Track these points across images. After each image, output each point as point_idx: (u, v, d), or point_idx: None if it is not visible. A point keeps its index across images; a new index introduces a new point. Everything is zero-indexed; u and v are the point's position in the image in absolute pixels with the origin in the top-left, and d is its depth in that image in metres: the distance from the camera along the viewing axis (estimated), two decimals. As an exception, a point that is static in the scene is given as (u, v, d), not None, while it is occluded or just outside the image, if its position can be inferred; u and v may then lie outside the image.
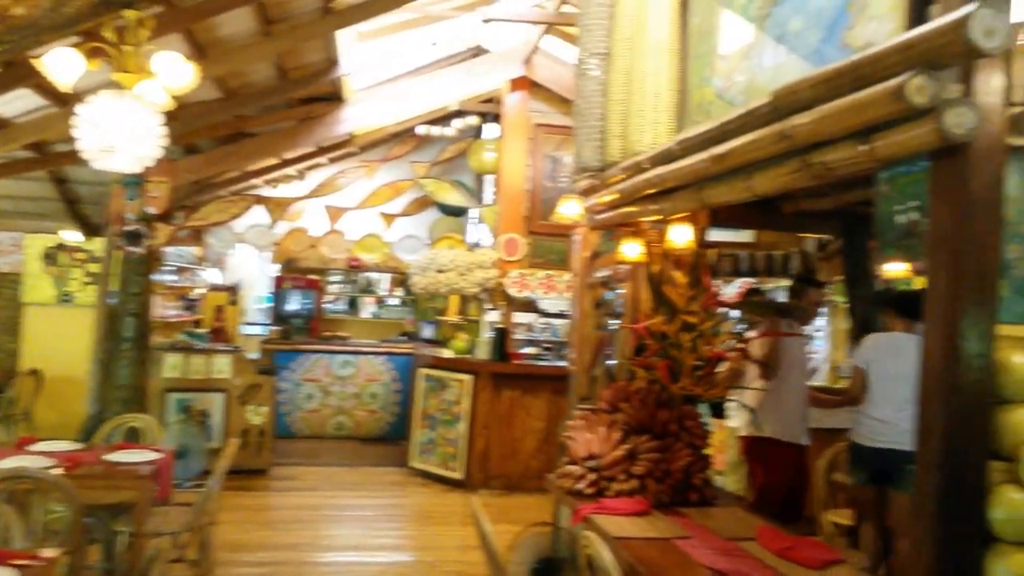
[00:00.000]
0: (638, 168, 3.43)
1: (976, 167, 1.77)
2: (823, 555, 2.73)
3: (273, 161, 9.19)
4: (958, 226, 1.79)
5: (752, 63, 2.85)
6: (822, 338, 6.90)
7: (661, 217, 3.69)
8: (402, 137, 10.38)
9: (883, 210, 2.05)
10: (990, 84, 1.76)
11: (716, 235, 5.86)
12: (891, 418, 3.87)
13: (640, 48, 3.57)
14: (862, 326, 4.47)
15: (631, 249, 4.20)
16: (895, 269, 4.28)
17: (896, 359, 3.88)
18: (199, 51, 5.14)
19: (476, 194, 10.81)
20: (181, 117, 5.41)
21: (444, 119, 9.54)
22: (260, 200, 10.32)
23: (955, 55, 1.68)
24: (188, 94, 4.22)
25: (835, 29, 2.31)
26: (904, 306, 4.07)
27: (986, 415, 1.85)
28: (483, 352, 7.75)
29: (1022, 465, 1.83)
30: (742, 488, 4.77)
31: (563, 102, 7.78)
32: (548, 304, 8.29)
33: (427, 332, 10.16)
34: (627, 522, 3.12)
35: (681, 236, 3.86)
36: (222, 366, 7.18)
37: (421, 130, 9.71)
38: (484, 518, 2.95)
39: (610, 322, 5.32)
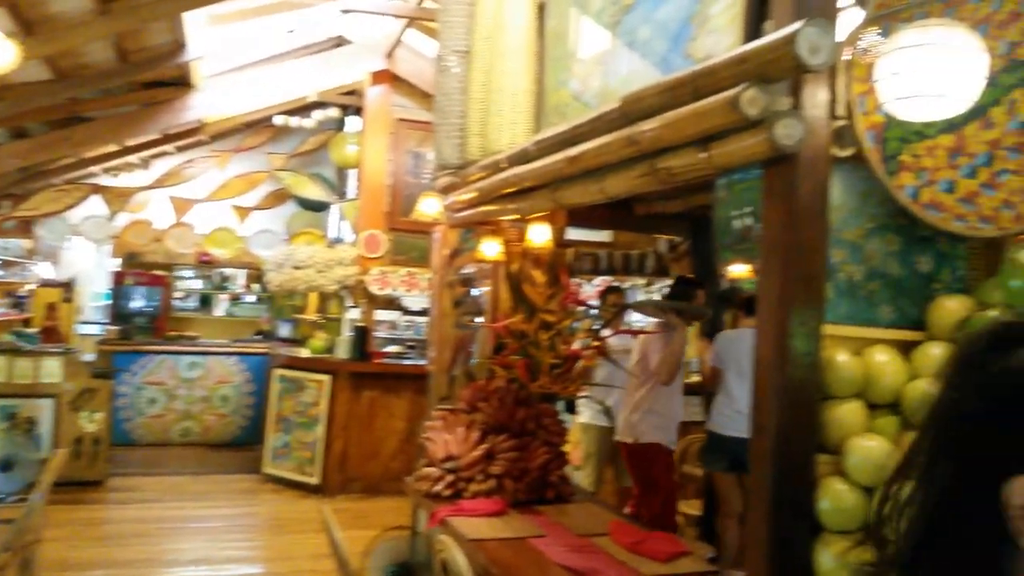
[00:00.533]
0: (496, 167, 3.48)
1: (804, 176, 1.90)
2: (671, 548, 2.86)
3: (113, 148, 8.69)
4: (788, 231, 1.92)
5: (606, 68, 2.95)
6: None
7: (519, 216, 3.76)
8: (257, 127, 10.04)
9: (721, 215, 2.17)
10: (816, 98, 1.90)
11: (576, 234, 6.02)
12: (748, 409, 4.09)
13: (499, 47, 3.62)
14: (710, 324, 4.72)
15: (490, 248, 4.26)
16: (739, 270, 4.54)
17: (749, 354, 4.11)
18: (25, 28, 4.79)
19: (337, 188, 10.61)
20: (6, 98, 5.03)
21: (303, 110, 9.31)
22: (98, 189, 9.72)
23: (785, 70, 1.80)
24: (11, 74, 3.92)
25: (680, 40, 2.42)
26: (751, 306, 4.30)
27: (814, 411, 1.99)
28: (343, 351, 7.63)
29: (846, 458, 1.99)
30: (591, 484, 4.91)
31: (425, 97, 7.76)
32: (412, 302, 8.25)
33: (284, 331, 9.89)
34: (483, 523, 3.16)
35: (540, 235, 3.94)
36: (52, 369, 6.72)
37: (278, 120, 9.44)
38: (335, 524, 2.91)
39: (471, 321, 5.36)
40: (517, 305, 3.90)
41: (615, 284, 6.79)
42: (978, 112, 2.20)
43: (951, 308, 2.10)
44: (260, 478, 7.43)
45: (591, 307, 6.26)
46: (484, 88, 3.73)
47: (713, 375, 4.32)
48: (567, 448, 3.84)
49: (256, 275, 10.87)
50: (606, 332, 4.88)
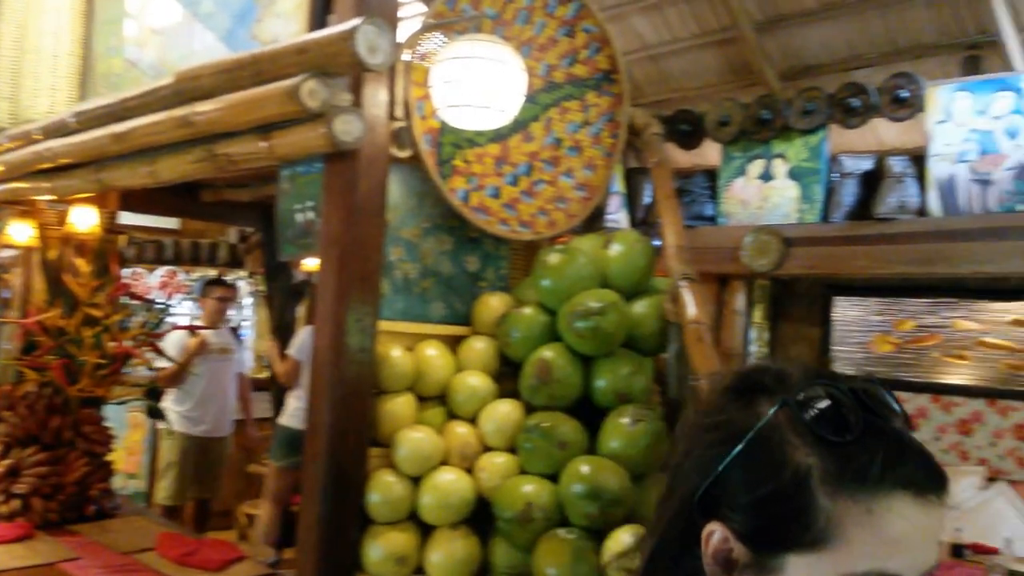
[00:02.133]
0: (29, 138, 2.99)
1: (363, 173, 1.91)
2: (224, 555, 2.71)
3: None
4: (347, 228, 1.91)
5: (167, 39, 2.69)
6: (250, 328, 6.98)
7: (57, 197, 3.28)
8: None
9: (284, 207, 2.10)
10: (376, 97, 1.92)
11: (134, 220, 5.47)
12: None
13: (36, 2, 3.12)
14: (280, 317, 4.61)
15: (20, 231, 3.65)
16: (313, 263, 4.51)
17: None
18: None
19: None
20: None
21: None
22: None
23: (345, 65, 1.78)
24: None
25: (246, 19, 2.29)
26: None
27: (367, 406, 2.02)
28: None
29: (396, 450, 2.04)
30: (171, 496, 4.46)
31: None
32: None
33: None
34: (3, 551, 2.69)
35: (85, 220, 3.48)
36: None
37: None
38: None
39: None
40: (54, 298, 3.40)
41: (219, 277, 6.28)
42: (521, 126, 2.43)
43: (493, 305, 2.28)
44: None
45: (152, 301, 5.73)
46: (17, 46, 3.19)
47: (295, 369, 4.17)
48: (125, 456, 3.45)
49: None
50: (207, 329, 4.50)
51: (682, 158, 6.17)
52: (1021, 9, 4.26)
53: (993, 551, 3.57)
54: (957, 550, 3.65)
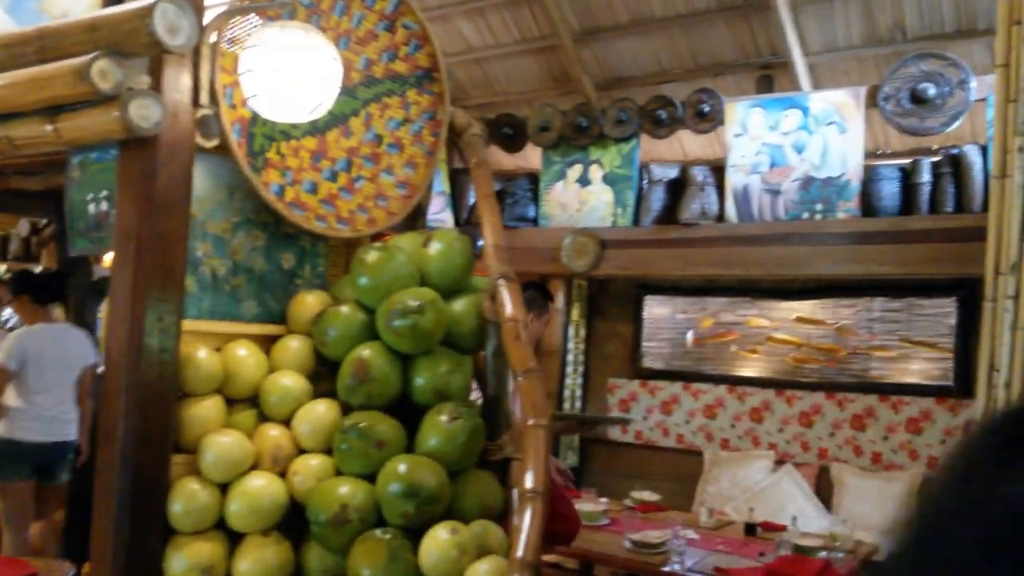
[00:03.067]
0: None
1: (163, 163, 1.76)
2: (16, 572, 2.46)
3: None
4: (144, 220, 1.75)
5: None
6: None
7: None
8: None
9: (74, 197, 1.90)
10: (178, 82, 1.77)
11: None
12: (54, 412, 3.79)
13: None
14: (79, 316, 4.23)
15: None
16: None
17: (52, 352, 3.78)
18: None
19: None
20: None
21: None
22: None
23: (141, 45, 1.64)
24: None
25: (32, -10, 2.07)
26: (39, 291, 3.88)
27: (170, 409, 1.86)
28: None
29: (202, 456, 1.90)
30: None
31: None
32: None
33: None
34: None
35: None
36: None
37: None
38: None
39: None
40: None
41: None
42: (339, 120, 2.34)
43: (309, 303, 2.18)
44: None
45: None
46: None
47: (2, 377, 3.72)
48: None
49: None
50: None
51: (506, 161, 6.26)
52: (808, 33, 4.62)
53: (782, 528, 3.85)
54: (750, 528, 3.90)
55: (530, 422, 1.84)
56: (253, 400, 2.06)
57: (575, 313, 5.82)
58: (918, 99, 3.97)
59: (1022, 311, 2.06)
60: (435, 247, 2.17)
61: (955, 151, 4.05)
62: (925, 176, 4.09)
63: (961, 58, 3.96)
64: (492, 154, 6.09)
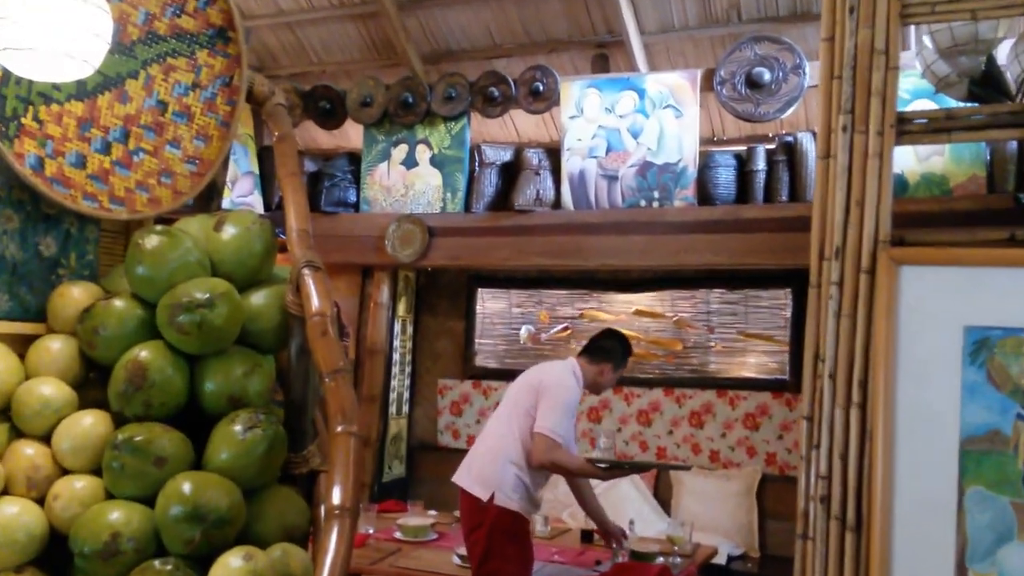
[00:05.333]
0: None
1: None
2: None
3: None
4: None
5: None
6: None
7: None
8: None
9: None
10: None
11: None
12: None
13: None
14: None
15: None
16: None
17: None
18: None
19: None
20: None
21: None
22: None
23: None
24: None
25: None
26: None
27: None
28: None
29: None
30: None
31: None
32: None
33: None
34: None
35: None
36: None
37: None
38: None
39: None
40: None
41: None
42: (113, 83, 2.17)
43: (75, 296, 2.02)
44: None
45: None
46: None
47: None
48: None
49: None
50: None
51: (323, 138, 6.12)
52: (644, 11, 4.80)
53: (618, 533, 3.99)
54: (586, 535, 4.02)
55: (338, 429, 1.79)
56: (4, 412, 1.89)
57: (401, 308, 5.79)
58: (753, 84, 4.22)
59: (846, 298, 2.22)
60: (229, 231, 2.07)
61: (789, 139, 4.35)
62: (760, 164, 4.35)
63: (796, 43, 4.24)
64: (308, 131, 5.94)
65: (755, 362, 5.19)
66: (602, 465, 3.53)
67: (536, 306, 5.71)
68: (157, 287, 1.94)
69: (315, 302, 1.95)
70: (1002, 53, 2.85)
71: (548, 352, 5.64)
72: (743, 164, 4.43)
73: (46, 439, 1.88)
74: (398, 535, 4.04)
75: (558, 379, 3.55)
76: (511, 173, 4.89)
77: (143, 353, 1.87)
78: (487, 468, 3.45)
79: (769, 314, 5.15)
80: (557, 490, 5.17)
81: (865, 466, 2.17)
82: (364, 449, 5.18)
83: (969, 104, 2.77)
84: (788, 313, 5.07)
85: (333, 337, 1.94)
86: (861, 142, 2.21)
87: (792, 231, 3.98)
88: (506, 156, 4.95)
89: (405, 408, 5.81)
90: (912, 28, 3.96)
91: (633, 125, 4.54)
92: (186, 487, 1.73)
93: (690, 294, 5.30)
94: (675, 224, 4.41)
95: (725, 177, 4.40)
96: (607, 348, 3.72)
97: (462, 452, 5.91)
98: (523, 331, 5.74)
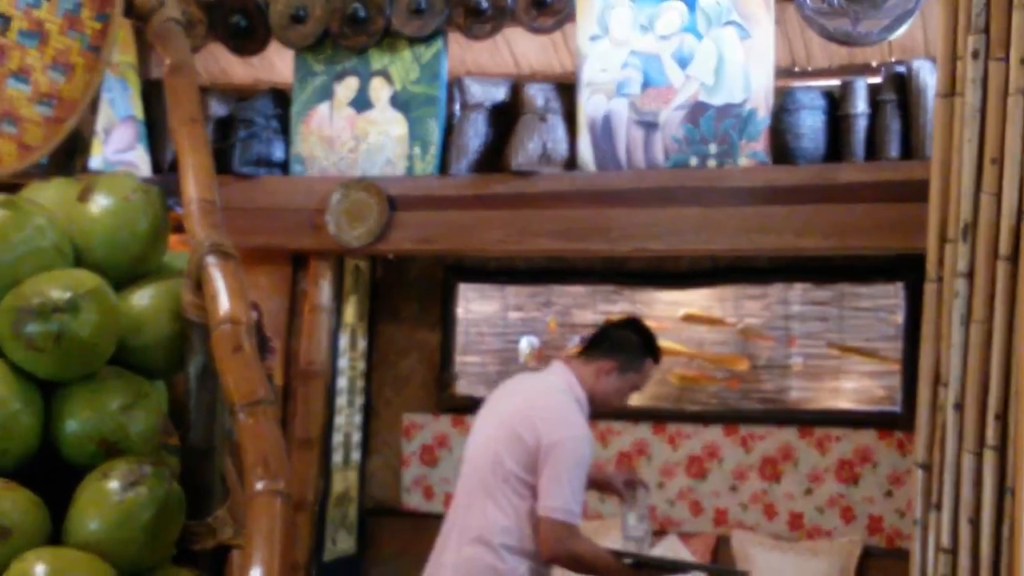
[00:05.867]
0: None
1: None
2: None
3: None
4: None
5: None
6: None
7: None
8: None
9: None
10: None
11: None
12: None
13: None
14: None
15: None
16: None
17: None
18: None
19: None
20: None
21: None
22: None
23: None
24: None
25: None
26: None
27: None
28: None
29: None
30: None
31: None
32: None
33: None
34: None
35: None
36: None
37: None
38: None
39: None
40: None
41: None
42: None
43: None
44: None
45: None
46: None
47: None
48: None
49: None
50: None
51: (238, 69, 6.13)
52: None
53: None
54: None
55: (258, 486, 1.79)
56: None
57: (350, 313, 5.80)
58: (851, -9, 4.22)
59: (978, 296, 2.22)
60: (100, 203, 2.07)
61: (901, 69, 4.34)
62: (860, 105, 4.35)
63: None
64: (216, 58, 5.94)
65: (854, 388, 5.20)
66: (628, 561, 3.54)
67: (543, 309, 5.73)
68: (-4, 283, 1.96)
69: (224, 304, 1.95)
70: None
71: (559, 374, 5.65)
72: (836, 106, 4.44)
73: None
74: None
75: (560, 421, 3.56)
76: (506, 119, 4.90)
77: (-24, 378, 1.88)
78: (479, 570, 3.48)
79: (873, 319, 5.16)
80: (572, 571, 5.21)
81: (1004, 534, 2.17)
82: (296, 514, 5.17)
83: None
84: (901, 318, 5.09)
85: (251, 354, 1.94)
86: (999, 73, 2.21)
87: (907, 201, 3.97)
88: (499, 95, 4.96)
89: (355, 456, 5.82)
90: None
91: (680, 50, 4.55)
92: (39, 570, 1.74)
93: (762, 291, 5.31)
94: (740, 192, 4.42)
95: (811, 124, 4.41)
96: (613, 339, 3.73)
97: (436, 518, 5.93)
98: (523, 344, 5.75)
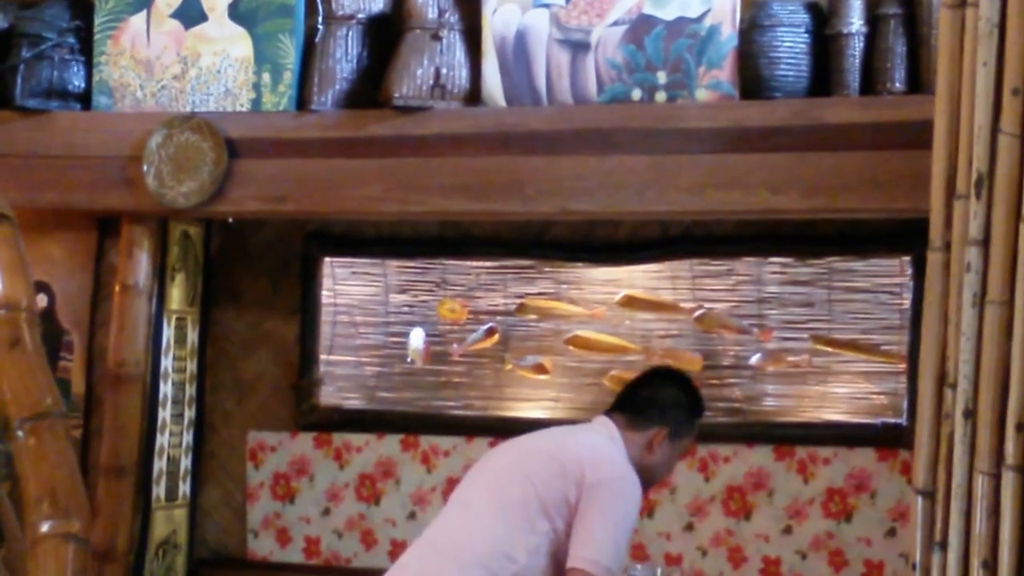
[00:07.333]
0: None
1: None
2: None
3: None
4: None
5: None
6: None
7: None
8: None
9: None
10: None
11: None
12: None
13: None
14: None
15: None
16: None
17: None
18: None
19: None
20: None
21: None
22: None
23: None
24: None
25: None
26: None
27: None
28: None
29: None
30: None
31: None
32: None
33: None
34: None
35: None
36: None
37: None
38: None
39: None
40: None
41: None
42: None
43: None
44: None
45: None
46: None
47: None
48: None
49: None
50: None
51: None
52: None
53: None
54: None
55: (43, 528, 1.81)
56: None
57: (176, 296, 5.78)
58: None
59: (996, 269, 2.26)
60: None
61: (905, -25, 4.37)
62: (855, 21, 4.39)
63: None
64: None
65: (847, 394, 5.25)
66: None
67: (436, 291, 5.73)
68: None
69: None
70: None
71: (459, 377, 5.66)
72: (823, 22, 4.47)
73: None
74: None
75: (610, 460, 3.64)
76: (387, 37, 4.90)
77: None
78: None
79: (872, 304, 5.18)
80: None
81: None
82: (101, 567, 5.12)
83: None
84: (907, 302, 5.11)
85: (34, 351, 1.96)
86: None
87: (915, 148, 3.98)
88: (377, 3, 4.96)
89: (184, 488, 5.80)
90: None
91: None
92: None
93: (726, 267, 5.34)
94: (698, 135, 4.44)
95: (791, 46, 4.44)
96: (660, 402, 3.78)
97: (296, 571, 5.90)
98: (412, 338, 5.75)
